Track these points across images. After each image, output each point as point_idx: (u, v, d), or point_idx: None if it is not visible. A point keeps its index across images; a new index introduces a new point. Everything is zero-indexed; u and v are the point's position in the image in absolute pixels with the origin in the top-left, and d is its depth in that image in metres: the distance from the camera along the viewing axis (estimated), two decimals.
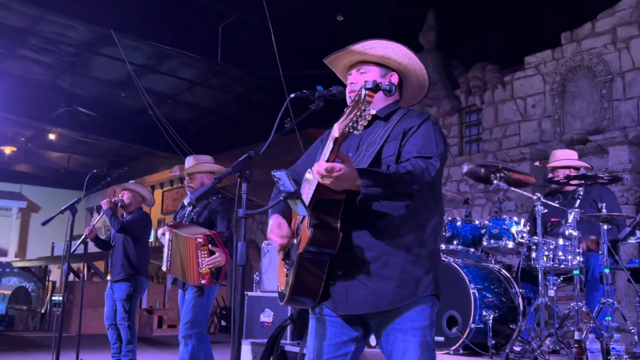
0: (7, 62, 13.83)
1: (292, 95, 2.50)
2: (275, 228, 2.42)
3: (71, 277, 18.46)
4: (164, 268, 4.89)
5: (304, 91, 2.55)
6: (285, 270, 2.48)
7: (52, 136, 18.27)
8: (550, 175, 5.52)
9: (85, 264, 17.65)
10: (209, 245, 4.52)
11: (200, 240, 4.51)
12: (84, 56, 13.54)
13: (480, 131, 11.00)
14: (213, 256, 4.51)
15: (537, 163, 5.88)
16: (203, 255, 4.50)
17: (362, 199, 2.18)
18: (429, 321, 2.34)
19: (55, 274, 20.24)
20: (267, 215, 2.54)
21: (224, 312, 13.60)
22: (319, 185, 2.19)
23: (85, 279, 18.77)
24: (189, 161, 5.14)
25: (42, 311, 15.72)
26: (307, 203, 2.26)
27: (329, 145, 2.14)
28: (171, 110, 15.31)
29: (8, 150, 19.14)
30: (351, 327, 2.42)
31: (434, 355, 2.36)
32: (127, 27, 11.54)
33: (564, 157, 5.45)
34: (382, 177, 2.18)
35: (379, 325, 2.37)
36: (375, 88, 2.01)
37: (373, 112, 2.00)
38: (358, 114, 1.98)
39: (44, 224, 4.66)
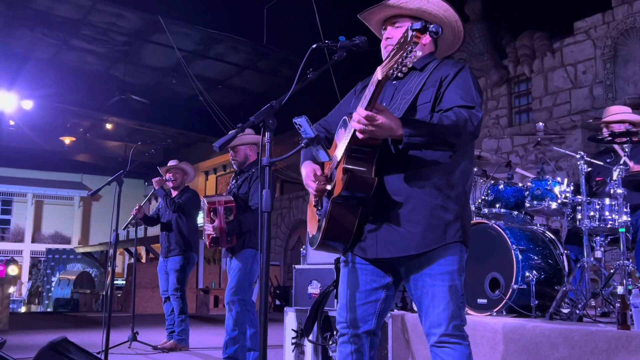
0: (62, 54, 14.29)
1: (313, 46, 2.51)
2: (311, 174, 2.42)
3: (132, 260, 19.06)
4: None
5: (326, 42, 2.56)
6: (317, 216, 2.49)
7: (108, 126, 18.84)
8: (605, 131, 5.23)
9: (144, 247, 18.05)
10: (211, 214, 4.80)
11: (206, 207, 4.85)
12: (135, 45, 13.88)
13: (529, 101, 10.76)
14: (208, 225, 4.83)
15: (591, 120, 5.66)
16: (207, 221, 4.86)
17: (405, 148, 2.18)
18: (458, 266, 2.31)
19: (117, 259, 20.93)
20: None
21: (277, 291, 13.76)
22: (355, 131, 2.17)
23: (144, 261, 19.41)
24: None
25: (104, 293, 16.28)
26: (343, 148, 2.26)
27: (370, 89, 2.10)
28: (221, 95, 15.52)
29: (68, 140, 19.82)
30: (381, 274, 2.43)
31: (463, 300, 2.34)
32: (174, 12, 11.76)
33: (618, 112, 5.19)
34: (426, 126, 2.16)
35: (408, 272, 2.36)
36: (423, 29, 1.97)
37: (419, 54, 1.93)
38: (404, 55, 1.92)
39: (93, 194, 4.87)
